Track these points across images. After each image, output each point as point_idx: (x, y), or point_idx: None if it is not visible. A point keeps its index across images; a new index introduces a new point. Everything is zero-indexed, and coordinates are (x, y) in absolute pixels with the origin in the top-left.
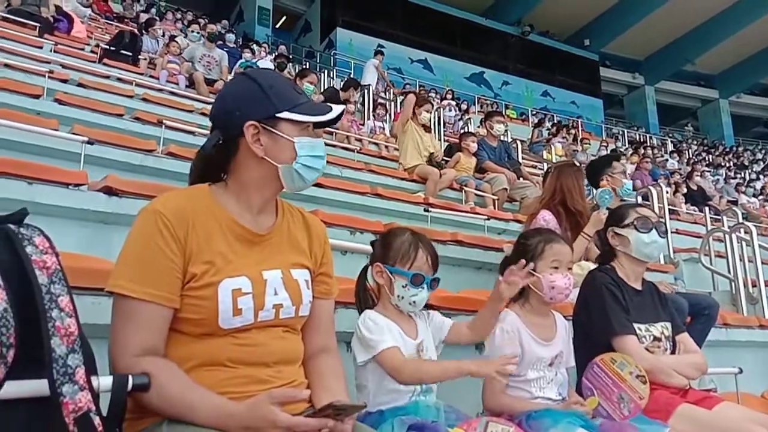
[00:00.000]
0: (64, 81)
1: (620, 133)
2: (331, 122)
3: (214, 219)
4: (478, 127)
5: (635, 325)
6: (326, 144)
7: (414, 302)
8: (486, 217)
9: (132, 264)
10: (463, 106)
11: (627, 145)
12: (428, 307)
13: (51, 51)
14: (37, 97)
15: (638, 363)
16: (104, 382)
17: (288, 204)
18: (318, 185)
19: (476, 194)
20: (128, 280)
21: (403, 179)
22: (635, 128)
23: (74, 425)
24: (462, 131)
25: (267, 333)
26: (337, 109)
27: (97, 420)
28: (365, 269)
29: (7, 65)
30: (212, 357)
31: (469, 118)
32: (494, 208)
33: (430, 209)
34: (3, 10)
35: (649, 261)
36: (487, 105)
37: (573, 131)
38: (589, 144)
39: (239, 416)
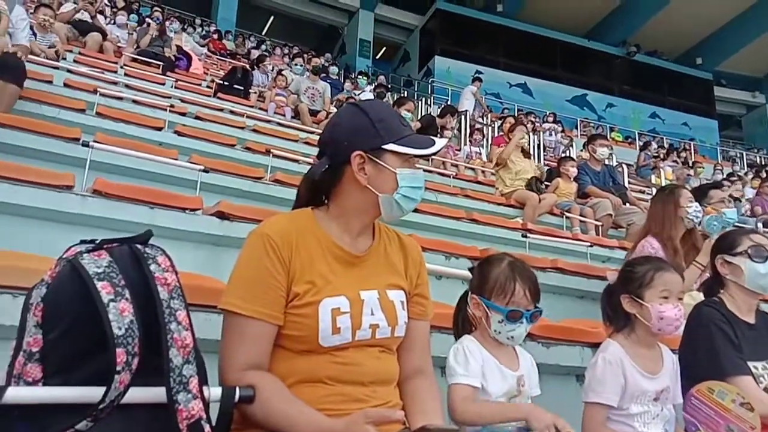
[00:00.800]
0: (183, 114)
1: (738, 155)
2: (432, 153)
3: (315, 241)
4: (581, 150)
5: (751, 364)
6: (422, 169)
7: (512, 337)
8: (589, 243)
9: (242, 284)
10: (557, 128)
11: (746, 169)
12: (528, 336)
13: (172, 87)
14: (159, 129)
15: (756, 405)
16: (214, 392)
17: (385, 226)
18: (414, 210)
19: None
20: (238, 298)
21: (500, 204)
22: (755, 150)
23: (187, 431)
24: (561, 155)
25: (364, 353)
26: (439, 143)
27: (207, 428)
28: (465, 295)
29: (135, 101)
30: (312, 374)
31: (571, 142)
32: (598, 235)
33: (528, 235)
34: (133, 51)
35: (765, 293)
36: (591, 128)
37: (684, 154)
38: (703, 168)
39: None
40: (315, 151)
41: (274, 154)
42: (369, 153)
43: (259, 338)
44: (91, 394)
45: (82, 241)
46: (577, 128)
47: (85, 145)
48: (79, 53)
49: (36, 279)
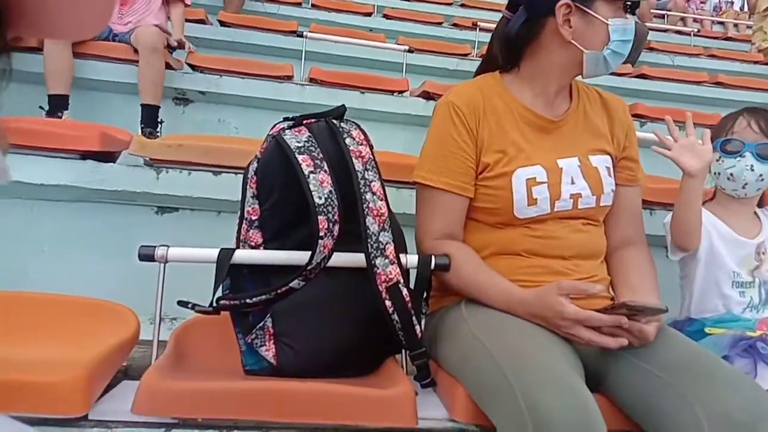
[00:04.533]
0: None
1: None
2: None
3: (505, 107)
4: None
5: None
6: (654, 30)
7: (731, 175)
8: None
9: (431, 155)
10: None
11: None
12: None
13: None
14: (369, 14)
15: None
16: (411, 259)
17: (583, 85)
18: (641, 75)
19: None
20: (427, 171)
21: (756, 63)
22: None
23: (386, 293)
24: None
25: (565, 225)
26: None
27: (404, 291)
28: None
29: None
30: (509, 246)
31: None
32: None
33: None
34: None
35: None
36: None
37: None
38: None
39: (527, 303)
40: None
41: (481, 28)
42: (577, 2)
43: (450, 209)
44: (301, 257)
45: (285, 119)
46: None
47: (300, 35)
48: None
49: None
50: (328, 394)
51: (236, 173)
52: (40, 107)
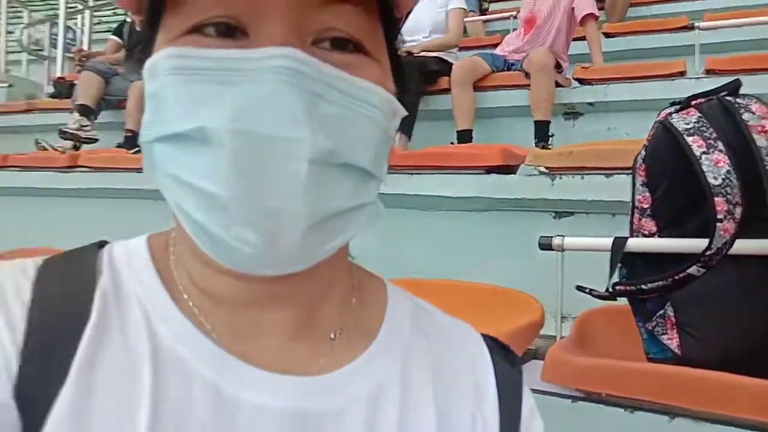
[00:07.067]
0: None
1: None
2: None
3: None
4: None
5: None
6: None
7: None
8: None
9: None
10: None
11: None
12: None
13: None
14: None
15: None
16: None
17: None
18: None
19: None
20: None
21: None
22: None
23: None
24: None
25: None
26: None
27: None
28: None
29: None
30: None
31: None
32: None
33: None
34: None
35: None
36: None
37: None
38: None
39: None
40: None
41: None
42: None
43: None
44: (698, 245)
45: (672, 104)
46: None
47: (691, 28)
48: None
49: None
50: (747, 386)
51: (628, 174)
52: (451, 143)
